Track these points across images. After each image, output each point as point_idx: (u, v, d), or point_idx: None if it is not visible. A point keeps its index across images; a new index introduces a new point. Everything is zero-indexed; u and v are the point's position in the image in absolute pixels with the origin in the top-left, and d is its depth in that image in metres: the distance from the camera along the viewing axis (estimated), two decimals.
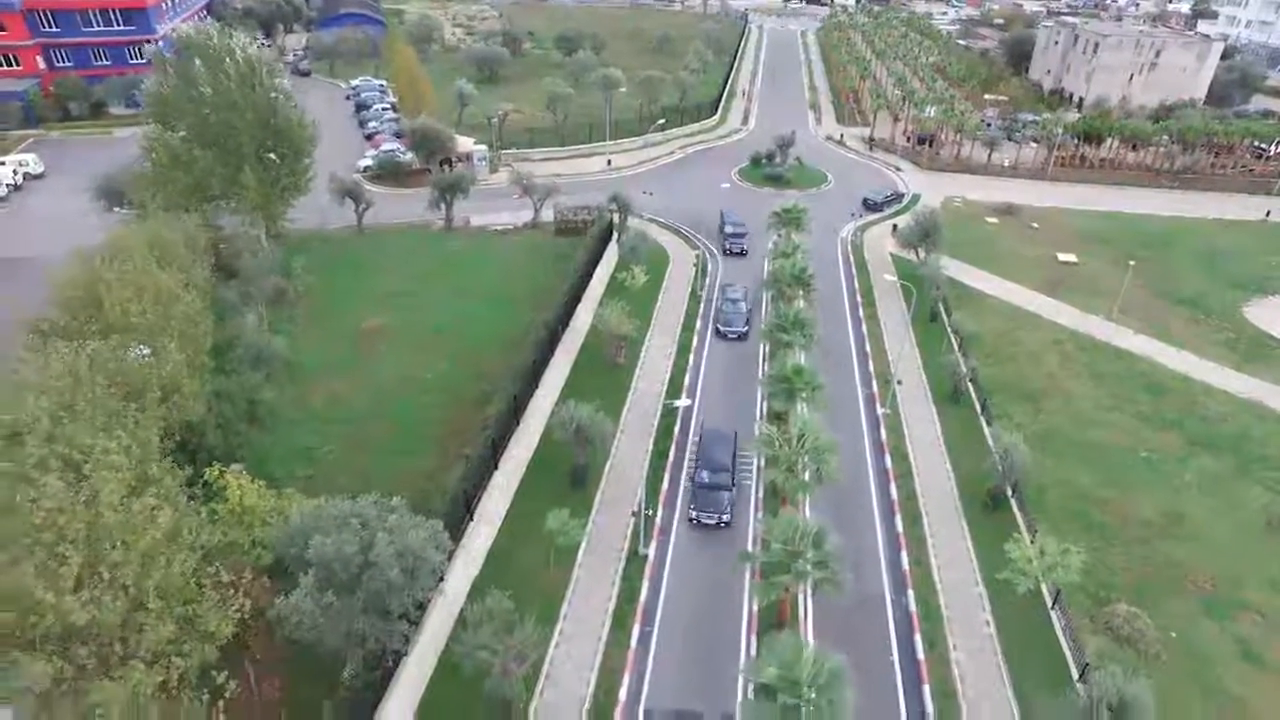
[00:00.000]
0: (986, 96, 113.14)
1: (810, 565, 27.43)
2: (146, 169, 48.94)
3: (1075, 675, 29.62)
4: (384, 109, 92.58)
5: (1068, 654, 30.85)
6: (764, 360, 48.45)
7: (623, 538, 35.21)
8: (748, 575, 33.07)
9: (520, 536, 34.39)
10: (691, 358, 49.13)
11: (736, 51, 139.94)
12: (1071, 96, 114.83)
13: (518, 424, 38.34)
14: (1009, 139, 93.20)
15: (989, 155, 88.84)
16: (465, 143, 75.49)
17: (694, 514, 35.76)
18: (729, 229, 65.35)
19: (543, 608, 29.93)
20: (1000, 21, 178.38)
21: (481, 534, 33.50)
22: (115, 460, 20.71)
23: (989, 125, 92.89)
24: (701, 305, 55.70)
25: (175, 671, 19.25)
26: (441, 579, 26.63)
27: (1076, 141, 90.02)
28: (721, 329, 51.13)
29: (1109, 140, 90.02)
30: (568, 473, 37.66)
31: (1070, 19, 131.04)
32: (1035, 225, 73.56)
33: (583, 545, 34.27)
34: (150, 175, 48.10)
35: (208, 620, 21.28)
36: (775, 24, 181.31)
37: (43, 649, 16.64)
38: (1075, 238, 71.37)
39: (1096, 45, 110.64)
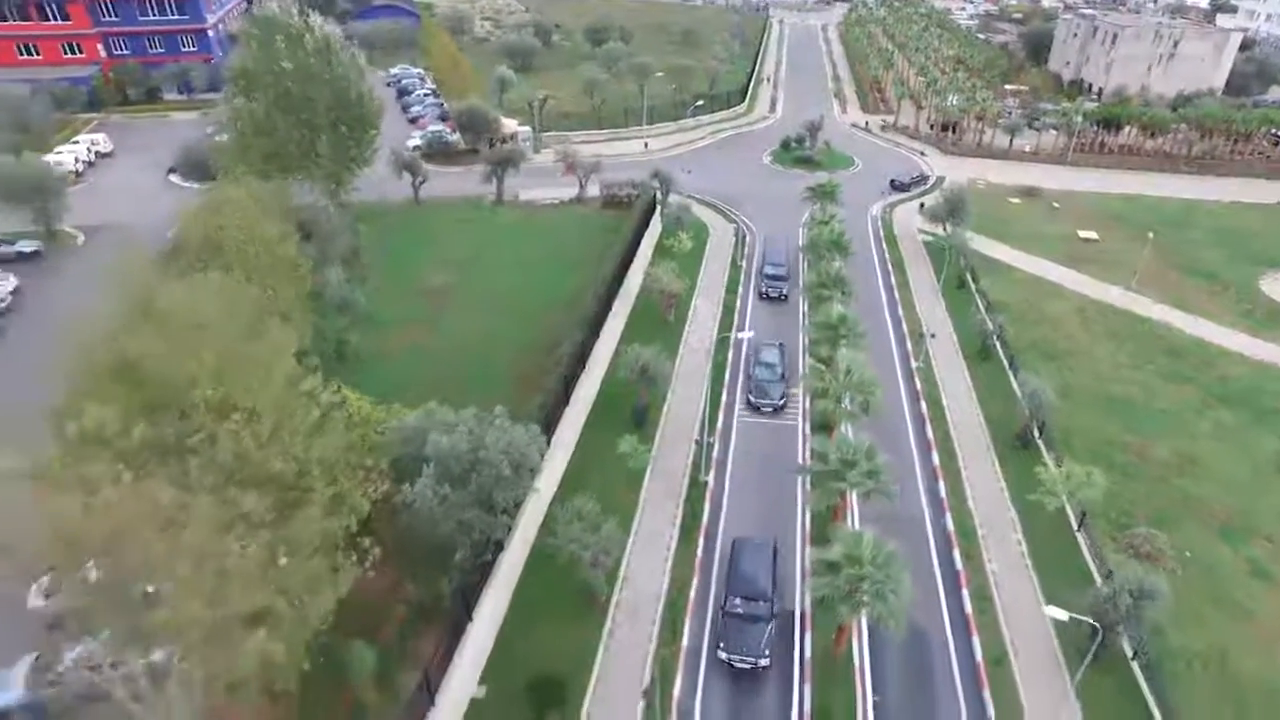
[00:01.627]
0: (1007, 87, 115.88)
1: (862, 475, 30.71)
2: (229, 138, 52.76)
3: (1099, 582, 32.77)
4: (425, 94, 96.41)
5: (1092, 567, 34.01)
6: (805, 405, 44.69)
7: (684, 467, 38.63)
8: (800, 498, 36.47)
9: (591, 464, 37.79)
10: (735, 318, 52.46)
11: (760, 43, 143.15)
12: (1090, 87, 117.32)
13: (583, 368, 41.73)
14: (1030, 126, 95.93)
15: (1010, 141, 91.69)
16: (510, 124, 79.06)
17: (722, 653, 28.73)
18: (769, 269, 56.10)
19: (617, 523, 33.33)
20: (1018, 16, 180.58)
21: (558, 458, 36.91)
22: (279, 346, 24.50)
23: (1010, 113, 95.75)
24: (741, 274, 59.06)
25: (336, 525, 22.77)
26: (536, 476, 29.99)
27: (1096, 128, 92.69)
28: (754, 400, 42.97)
29: (1128, 127, 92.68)
30: (630, 413, 41.09)
31: (1089, 11, 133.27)
32: (1056, 205, 76.40)
33: (648, 472, 37.69)
34: (235, 143, 51.92)
35: (352, 496, 24.78)
36: (795, 19, 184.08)
37: (252, 488, 20.10)
38: (1096, 217, 74.13)
39: (1115, 36, 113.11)
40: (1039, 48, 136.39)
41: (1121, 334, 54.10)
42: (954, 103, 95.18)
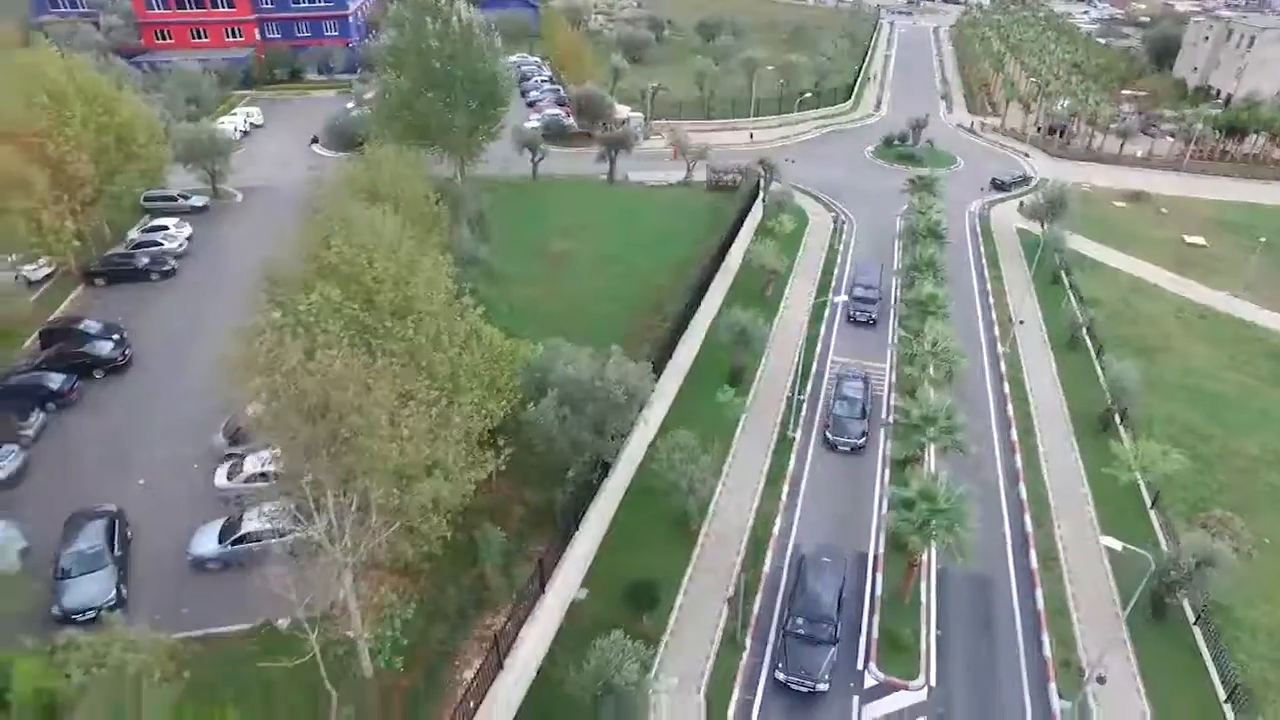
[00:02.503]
0: (1124, 92, 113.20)
1: (940, 431, 33.30)
2: (376, 109, 58.72)
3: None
4: (542, 80, 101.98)
5: (1162, 541, 35.40)
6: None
7: (774, 424, 41.83)
8: (881, 455, 39.19)
9: (689, 413, 41.22)
10: (830, 295, 55.13)
11: (870, 43, 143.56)
12: (1218, 93, 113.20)
13: (686, 329, 45.35)
14: (1144, 132, 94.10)
15: (1121, 146, 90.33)
16: (623, 110, 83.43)
17: (781, 675, 28.12)
18: (858, 290, 53.09)
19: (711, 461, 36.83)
20: (1146, 19, 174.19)
21: (658, 408, 40.60)
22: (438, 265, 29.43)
23: (1124, 118, 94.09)
24: (839, 257, 61.58)
25: (480, 423, 27.21)
26: (645, 407, 33.76)
27: (1218, 135, 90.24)
28: (831, 438, 40.14)
29: (1255, 135, 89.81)
30: (726, 374, 44.45)
31: (1224, 14, 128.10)
32: (1164, 211, 75.50)
33: (740, 423, 41.01)
34: (382, 113, 57.91)
35: (490, 402, 29.14)
36: (906, 21, 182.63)
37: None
38: (1206, 224, 72.99)
39: (1253, 39, 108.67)
40: (1163, 53, 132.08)
41: (1221, 337, 54.11)
42: (1064, 106, 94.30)
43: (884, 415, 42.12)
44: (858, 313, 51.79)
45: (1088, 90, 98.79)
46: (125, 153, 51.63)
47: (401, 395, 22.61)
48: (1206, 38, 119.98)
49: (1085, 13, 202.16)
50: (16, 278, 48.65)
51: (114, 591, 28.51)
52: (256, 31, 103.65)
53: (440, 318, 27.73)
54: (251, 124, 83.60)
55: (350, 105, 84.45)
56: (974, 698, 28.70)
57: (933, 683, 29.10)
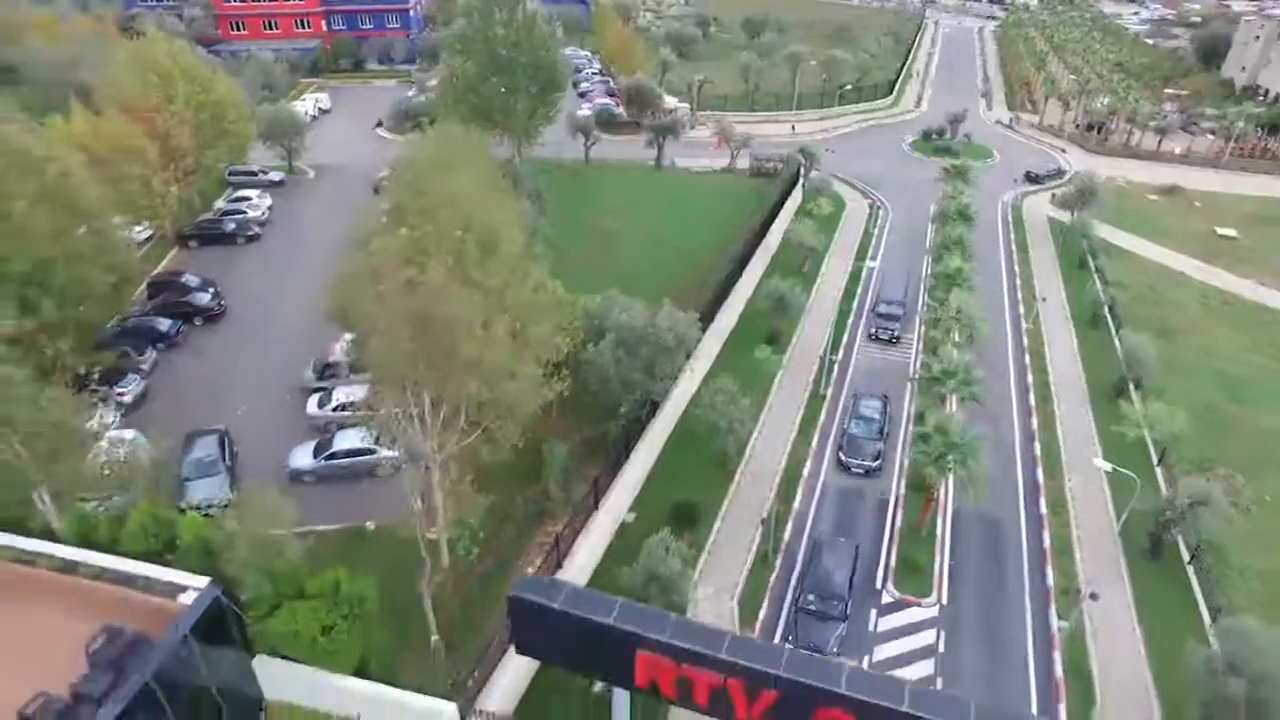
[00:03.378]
0: (1167, 90, 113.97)
1: (959, 383, 36.56)
2: (442, 93, 63.34)
3: None
4: (593, 73, 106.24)
5: (1163, 487, 38.04)
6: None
7: (807, 382, 45.33)
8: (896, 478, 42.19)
9: (728, 370, 44.80)
10: (864, 271, 58.27)
11: (914, 42, 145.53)
12: (1266, 92, 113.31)
13: (727, 297, 48.97)
14: (1184, 130, 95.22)
15: (1159, 143, 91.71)
16: (670, 100, 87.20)
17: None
18: (882, 307, 51.34)
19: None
20: (1198, 19, 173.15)
21: (699, 367, 44.23)
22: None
23: (1165, 116, 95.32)
24: (872, 241, 64.74)
25: (548, 352, 31.41)
26: (691, 355, 37.56)
27: (1261, 132, 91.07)
28: (845, 459, 39.07)
29: None
30: (764, 336, 47.97)
31: (1278, 12, 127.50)
32: (1198, 204, 77.10)
33: (776, 380, 44.59)
34: (448, 97, 62.50)
35: (557, 339, 33.26)
36: (951, 21, 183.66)
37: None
38: (1240, 218, 74.40)
39: None
40: (1211, 53, 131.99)
41: (1245, 322, 56.09)
42: (1103, 103, 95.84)
43: (902, 436, 40.91)
44: (880, 330, 49.79)
45: (1129, 88, 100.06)
46: (217, 129, 56.71)
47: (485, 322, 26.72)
48: (1258, 36, 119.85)
49: (1135, 14, 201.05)
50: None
51: (227, 492, 33.11)
52: (323, 23, 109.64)
53: (514, 260, 31.82)
54: (320, 109, 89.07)
55: (412, 92, 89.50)
56: (980, 616, 31.96)
57: (944, 601, 32.45)
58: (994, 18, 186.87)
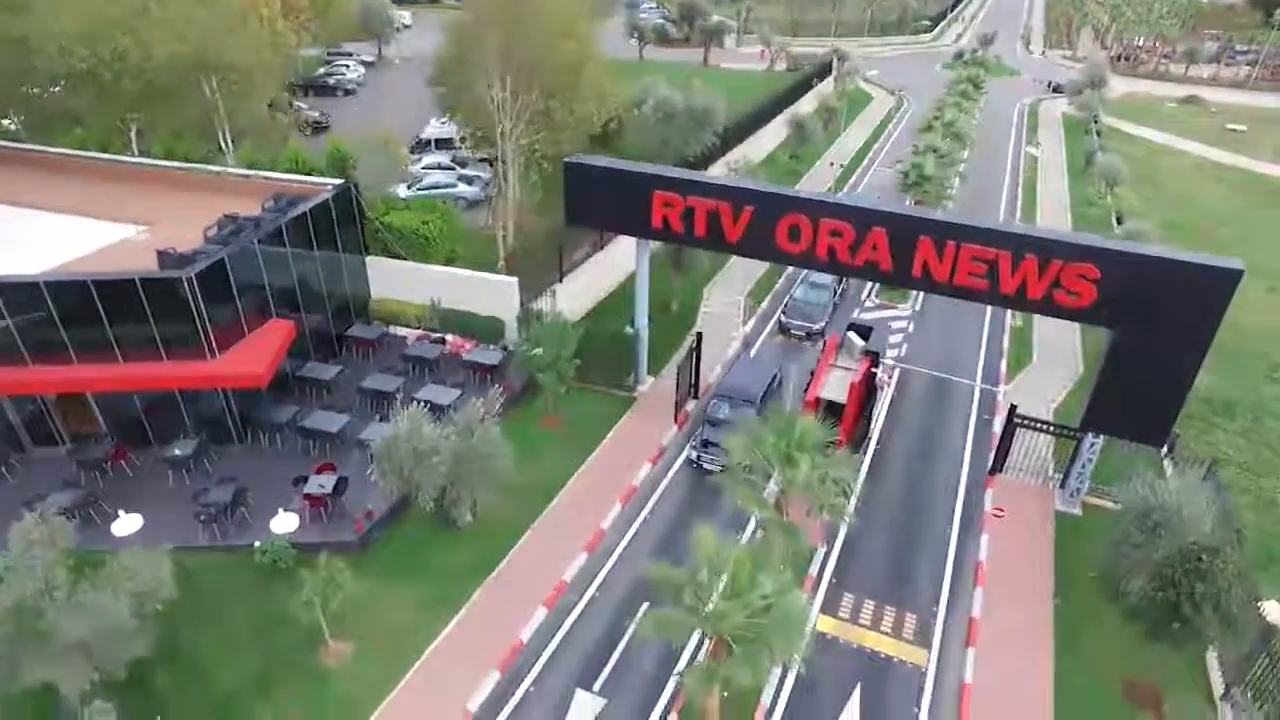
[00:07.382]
0: (1208, 32, 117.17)
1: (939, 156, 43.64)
2: None
3: None
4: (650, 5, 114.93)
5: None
6: None
7: (823, 188, 52.66)
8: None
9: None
10: (879, 142, 65.09)
11: None
12: None
13: (756, 130, 56.52)
14: (1218, 61, 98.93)
15: (1186, 67, 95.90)
16: (716, 18, 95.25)
17: (694, 457, 26.62)
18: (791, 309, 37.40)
19: None
20: None
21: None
22: None
23: (1202, 42, 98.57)
24: (893, 120, 71.58)
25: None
26: (715, 129, 45.39)
27: None
28: (785, 321, 35.54)
29: None
30: (787, 158, 55.41)
31: None
32: (1214, 110, 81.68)
33: (798, 183, 52.05)
34: None
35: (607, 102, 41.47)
36: None
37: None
38: (1253, 119, 78.53)
39: None
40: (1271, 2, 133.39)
41: (1229, 180, 61.14)
42: (1141, 37, 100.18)
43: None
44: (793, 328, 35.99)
45: (1161, 19, 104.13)
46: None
47: None
48: None
49: None
50: None
51: None
52: None
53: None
54: (402, 24, 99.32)
55: None
56: (945, 321, 38.92)
57: (916, 309, 39.55)
58: None
